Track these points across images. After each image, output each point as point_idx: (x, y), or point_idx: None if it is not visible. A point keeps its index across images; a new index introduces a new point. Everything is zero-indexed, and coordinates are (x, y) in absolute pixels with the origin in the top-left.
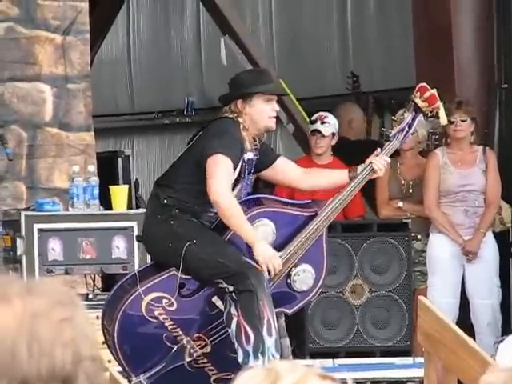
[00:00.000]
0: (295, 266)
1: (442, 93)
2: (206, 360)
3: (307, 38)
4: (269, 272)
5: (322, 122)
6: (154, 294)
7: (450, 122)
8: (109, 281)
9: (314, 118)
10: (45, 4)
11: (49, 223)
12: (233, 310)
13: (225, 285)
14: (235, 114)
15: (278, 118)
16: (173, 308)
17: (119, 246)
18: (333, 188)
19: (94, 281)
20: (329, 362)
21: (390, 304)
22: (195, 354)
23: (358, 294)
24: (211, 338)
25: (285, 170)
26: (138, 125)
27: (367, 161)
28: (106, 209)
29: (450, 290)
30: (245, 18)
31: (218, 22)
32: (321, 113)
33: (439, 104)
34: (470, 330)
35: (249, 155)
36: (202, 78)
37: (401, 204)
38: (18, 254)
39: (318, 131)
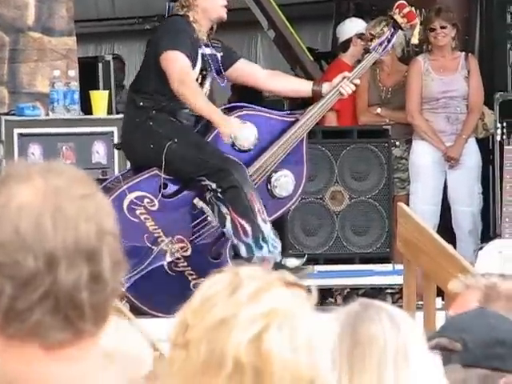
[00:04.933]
0: (275, 171)
1: (423, 0)
2: (186, 264)
3: None
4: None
5: None
6: (136, 193)
7: (431, 30)
8: None
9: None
10: None
11: (29, 128)
12: (223, 209)
13: (207, 182)
14: (185, 9)
15: (258, 23)
16: (154, 208)
17: (99, 151)
18: (295, 96)
19: None
20: (308, 269)
21: (370, 211)
22: (176, 255)
23: (338, 200)
24: (192, 240)
25: (250, 70)
26: (119, 30)
27: (334, 81)
28: (86, 114)
29: (430, 197)
30: None
31: None
32: None
33: (417, 21)
34: (451, 237)
35: (209, 50)
36: None
37: (379, 110)
38: None
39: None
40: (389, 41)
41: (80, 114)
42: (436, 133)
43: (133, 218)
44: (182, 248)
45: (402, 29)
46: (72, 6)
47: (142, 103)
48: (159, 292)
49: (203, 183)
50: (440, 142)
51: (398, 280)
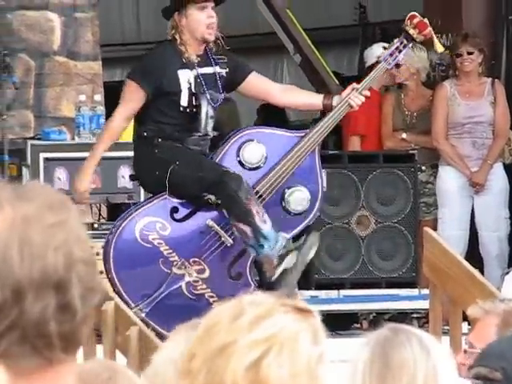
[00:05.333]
0: (288, 187)
1: (449, 25)
2: (205, 286)
3: None
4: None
5: None
6: (147, 219)
7: (457, 55)
8: (114, 210)
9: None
10: None
11: (55, 152)
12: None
13: (208, 196)
14: (173, 31)
15: (284, 48)
16: (167, 232)
17: (125, 176)
18: (306, 109)
19: (99, 210)
20: (334, 293)
21: (396, 235)
22: (194, 275)
23: (364, 225)
24: (209, 262)
25: (262, 84)
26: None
27: (344, 93)
28: None
29: (458, 222)
30: None
31: None
32: None
33: (430, 30)
34: (479, 262)
35: (206, 70)
36: None
37: (404, 135)
38: (24, 182)
39: None
40: (400, 51)
41: None
42: (462, 158)
43: (146, 244)
44: (198, 270)
45: (414, 40)
46: (98, 31)
47: (145, 133)
48: (180, 316)
49: (206, 198)
50: (465, 168)
51: (423, 305)
